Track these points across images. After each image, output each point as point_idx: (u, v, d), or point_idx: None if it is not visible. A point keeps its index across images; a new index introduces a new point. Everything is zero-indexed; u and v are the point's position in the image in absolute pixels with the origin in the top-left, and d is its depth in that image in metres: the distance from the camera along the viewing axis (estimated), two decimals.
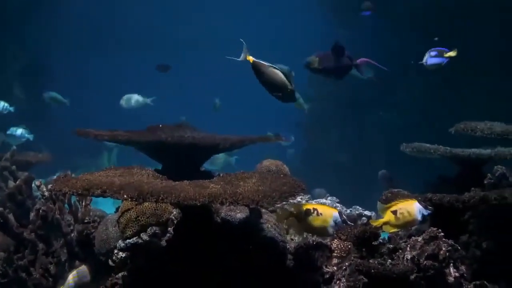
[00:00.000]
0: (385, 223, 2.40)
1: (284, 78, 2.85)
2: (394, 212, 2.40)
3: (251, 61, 2.81)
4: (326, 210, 2.39)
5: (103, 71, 13.45)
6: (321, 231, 2.40)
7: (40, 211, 3.14)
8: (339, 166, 8.69)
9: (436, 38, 6.54)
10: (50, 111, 9.53)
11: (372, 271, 2.13)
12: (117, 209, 3.02)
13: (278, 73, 2.84)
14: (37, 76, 10.36)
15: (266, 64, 2.84)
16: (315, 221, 2.37)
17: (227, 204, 2.09)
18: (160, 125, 3.22)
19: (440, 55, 3.94)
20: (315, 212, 2.36)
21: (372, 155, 8.22)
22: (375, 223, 2.42)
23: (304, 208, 2.37)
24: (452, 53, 3.91)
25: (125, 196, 2.10)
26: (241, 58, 2.78)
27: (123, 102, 7.26)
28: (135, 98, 7.16)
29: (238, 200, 2.10)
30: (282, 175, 2.60)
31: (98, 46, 13.38)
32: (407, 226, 2.48)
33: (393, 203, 2.43)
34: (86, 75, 12.68)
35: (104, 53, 13.41)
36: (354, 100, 8.71)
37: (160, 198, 2.08)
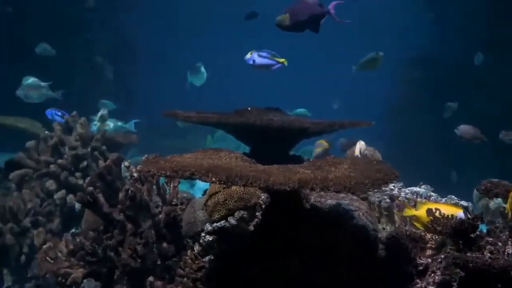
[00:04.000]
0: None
1: None
2: None
3: None
4: (451, 210, 2.34)
5: (187, 53, 13.61)
6: None
7: (129, 191, 3.16)
8: (426, 153, 8.43)
9: None
10: (137, 92, 9.75)
11: (470, 264, 2.01)
12: (204, 192, 3.01)
13: None
14: (124, 59, 10.62)
15: None
16: None
17: (318, 190, 2.02)
18: (249, 108, 3.18)
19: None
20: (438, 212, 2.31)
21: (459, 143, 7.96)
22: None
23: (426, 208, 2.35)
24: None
25: (213, 179, 2.06)
26: None
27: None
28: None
29: (329, 186, 2.02)
30: (375, 161, 2.50)
31: (184, 29, 13.53)
32: None
33: None
34: (170, 57, 12.85)
35: (188, 35, 13.55)
36: (440, 85, 8.43)
37: (249, 182, 2.03)
